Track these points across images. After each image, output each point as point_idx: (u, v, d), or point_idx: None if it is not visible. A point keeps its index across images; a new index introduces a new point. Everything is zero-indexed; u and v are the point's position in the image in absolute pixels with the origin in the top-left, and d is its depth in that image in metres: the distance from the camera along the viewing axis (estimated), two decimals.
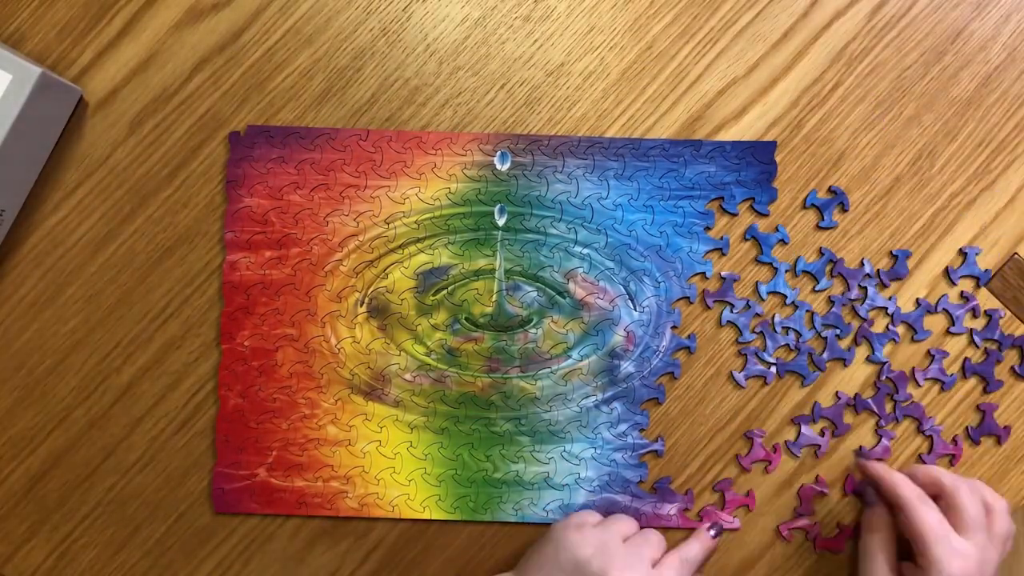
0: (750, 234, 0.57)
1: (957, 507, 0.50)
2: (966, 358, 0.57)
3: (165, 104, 0.58)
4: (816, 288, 0.57)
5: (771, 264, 0.57)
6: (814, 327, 0.57)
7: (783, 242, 0.57)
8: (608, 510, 0.56)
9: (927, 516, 0.50)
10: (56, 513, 0.57)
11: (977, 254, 0.57)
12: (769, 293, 0.57)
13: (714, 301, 0.57)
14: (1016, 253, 0.58)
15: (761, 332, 0.57)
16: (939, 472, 0.53)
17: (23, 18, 0.58)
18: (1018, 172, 0.58)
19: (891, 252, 0.57)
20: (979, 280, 0.57)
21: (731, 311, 0.57)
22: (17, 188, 0.57)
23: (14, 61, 0.53)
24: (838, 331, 0.57)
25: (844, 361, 0.57)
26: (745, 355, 0.57)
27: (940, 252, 0.58)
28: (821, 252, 0.57)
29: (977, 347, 0.57)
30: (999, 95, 0.58)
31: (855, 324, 0.57)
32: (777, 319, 0.57)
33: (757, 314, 0.57)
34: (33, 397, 0.58)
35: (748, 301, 0.57)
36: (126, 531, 0.57)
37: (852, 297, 0.57)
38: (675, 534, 0.57)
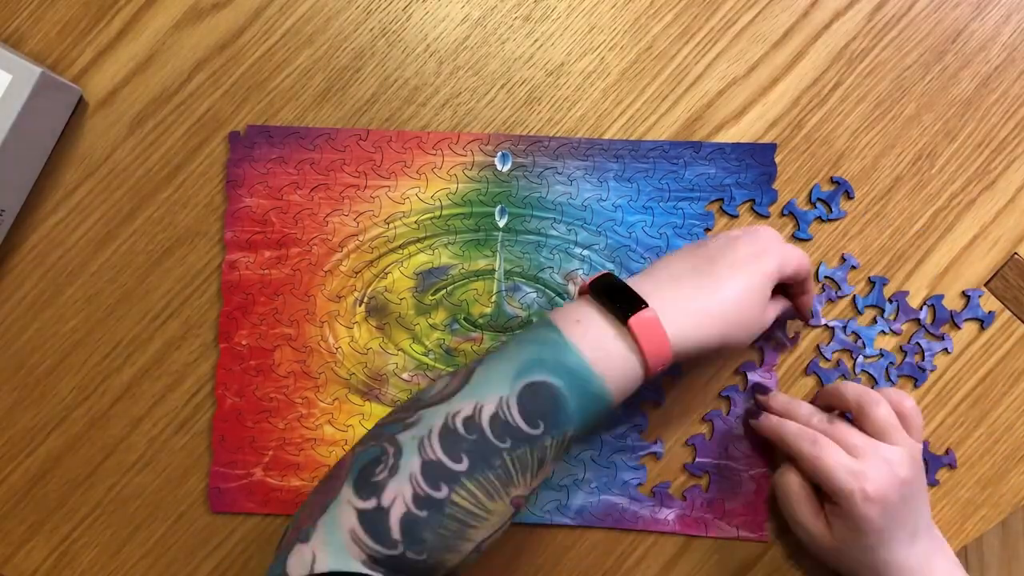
0: (788, 209, 0.57)
1: (868, 418, 0.50)
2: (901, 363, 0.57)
3: (165, 104, 0.58)
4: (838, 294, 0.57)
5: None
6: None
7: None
8: (605, 512, 0.56)
9: (821, 456, 0.49)
10: (56, 513, 0.57)
11: (980, 296, 0.57)
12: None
13: None
14: (1016, 253, 0.58)
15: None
16: (842, 389, 0.52)
17: (23, 18, 0.58)
18: (1018, 172, 0.58)
19: (869, 279, 0.57)
20: (983, 323, 0.57)
21: None
22: (17, 188, 0.57)
23: (14, 61, 0.53)
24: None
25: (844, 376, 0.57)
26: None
27: (940, 252, 0.58)
28: (843, 259, 0.57)
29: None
30: (999, 95, 0.58)
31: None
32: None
33: None
34: (33, 397, 0.58)
35: None
36: (126, 531, 0.58)
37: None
38: (672, 540, 0.57)
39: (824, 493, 0.50)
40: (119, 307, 0.58)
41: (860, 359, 0.57)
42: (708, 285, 0.46)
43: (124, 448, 0.58)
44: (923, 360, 0.57)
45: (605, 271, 0.48)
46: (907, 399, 0.51)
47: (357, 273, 0.57)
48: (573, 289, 0.57)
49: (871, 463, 0.48)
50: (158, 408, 0.58)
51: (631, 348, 0.44)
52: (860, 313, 0.57)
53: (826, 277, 0.57)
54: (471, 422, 0.42)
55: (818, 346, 0.57)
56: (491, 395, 0.42)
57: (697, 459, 0.57)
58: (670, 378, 0.57)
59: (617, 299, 0.44)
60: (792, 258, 0.49)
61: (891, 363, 0.57)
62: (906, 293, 0.57)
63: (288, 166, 0.57)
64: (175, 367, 0.58)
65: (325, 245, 0.57)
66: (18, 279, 0.58)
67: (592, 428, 0.45)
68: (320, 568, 0.40)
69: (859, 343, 0.57)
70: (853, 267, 0.57)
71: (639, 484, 0.57)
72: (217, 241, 0.58)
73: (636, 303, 0.44)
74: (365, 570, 0.40)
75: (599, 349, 0.43)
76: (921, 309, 0.57)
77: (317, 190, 0.57)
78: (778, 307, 0.53)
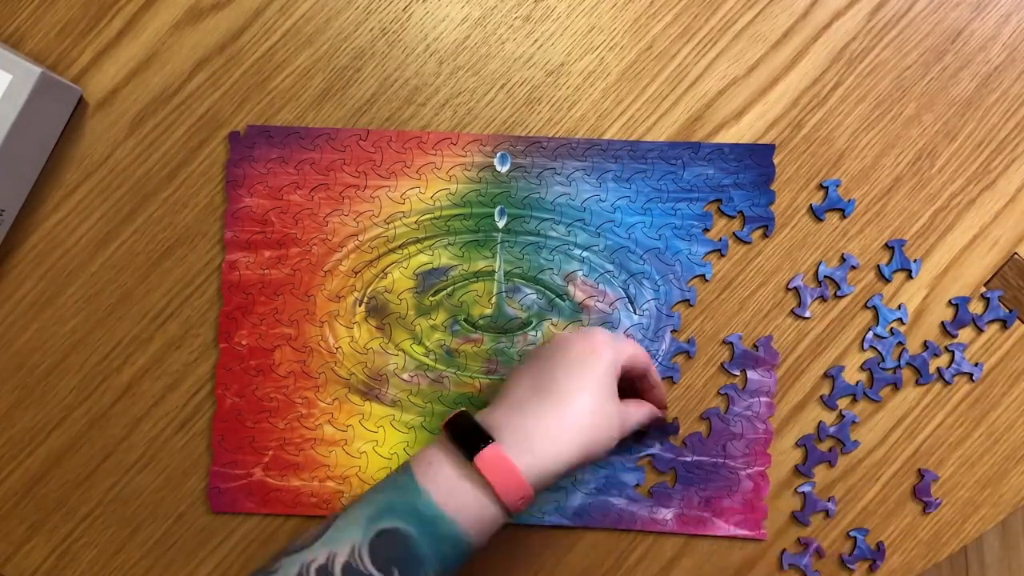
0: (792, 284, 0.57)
1: None
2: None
3: (165, 104, 0.58)
4: (839, 293, 0.57)
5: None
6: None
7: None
8: (604, 513, 0.56)
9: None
10: (56, 513, 0.58)
11: (967, 302, 0.57)
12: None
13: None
14: (1016, 253, 0.58)
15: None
16: None
17: (23, 18, 0.58)
18: (1018, 172, 0.58)
19: (886, 244, 0.57)
20: (1005, 323, 0.57)
21: None
22: (17, 188, 0.57)
23: (14, 61, 0.53)
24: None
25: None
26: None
27: (940, 252, 0.58)
28: (843, 258, 0.57)
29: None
30: (999, 95, 0.58)
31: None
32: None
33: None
34: (33, 397, 0.58)
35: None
36: (126, 531, 0.58)
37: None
38: (672, 540, 0.57)
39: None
40: (119, 307, 0.58)
41: (870, 335, 0.57)
42: (552, 402, 0.45)
43: (124, 448, 0.58)
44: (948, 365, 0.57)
45: (461, 408, 0.48)
46: None
47: (357, 273, 0.57)
48: (572, 290, 0.57)
49: None
50: (158, 408, 0.58)
51: (481, 487, 0.43)
52: (888, 280, 0.57)
53: (826, 277, 0.57)
54: (324, 571, 0.41)
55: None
56: (345, 542, 0.42)
57: (677, 457, 0.57)
58: (668, 380, 0.57)
59: (465, 438, 0.44)
60: (625, 350, 0.49)
61: (901, 343, 0.57)
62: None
63: (288, 166, 0.57)
64: (175, 367, 0.58)
65: (325, 245, 0.57)
66: (18, 279, 0.58)
67: (457, 570, 0.44)
68: None
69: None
70: (853, 267, 0.57)
71: (637, 485, 0.57)
72: (217, 241, 0.58)
73: (482, 440, 0.43)
74: None
75: (448, 491, 0.43)
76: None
77: (317, 190, 0.57)
78: (642, 410, 0.52)
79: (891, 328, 0.57)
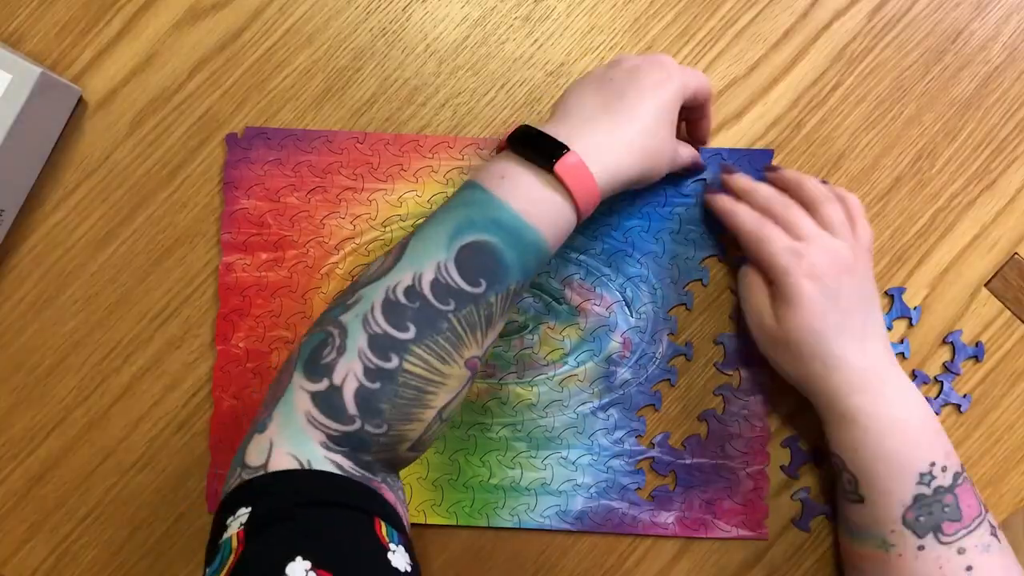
0: None
1: (819, 214, 0.51)
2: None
3: (165, 104, 0.58)
4: None
5: None
6: None
7: None
8: (605, 517, 0.56)
9: (763, 236, 0.50)
10: (56, 513, 0.58)
11: (960, 335, 0.57)
12: None
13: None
14: (1016, 253, 0.58)
15: None
16: (801, 181, 0.52)
17: (23, 18, 0.58)
18: (1018, 172, 0.58)
19: (886, 292, 0.57)
20: (977, 357, 0.57)
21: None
22: (17, 188, 0.57)
23: (14, 61, 0.53)
24: None
25: None
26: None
27: (940, 252, 0.58)
28: None
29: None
30: (999, 95, 0.58)
31: None
32: None
33: None
34: (33, 397, 0.58)
35: None
36: (126, 531, 0.58)
37: None
38: (673, 540, 0.56)
39: (774, 288, 0.51)
40: (119, 307, 0.58)
41: None
42: (621, 120, 0.47)
43: (124, 448, 0.58)
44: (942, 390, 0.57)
45: (522, 124, 0.49)
46: (852, 197, 0.52)
47: (353, 276, 0.57)
48: (569, 294, 0.57)
49: (813, 247, 0.49)
50: (157, 408, 0.58)
51: (560, 193, 0.44)
52: (889, 329, 0.57)
53: None
54: (412, 290, 0.42)
55: None
56: (428, 261, 0.42)
57: (677, 459, 0.57)
58: (666, 382, 0.57)
59: (539, 148, 0.45)
60: (693, 79, 0.50)
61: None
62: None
63: (285, 168, 0.57)
64: (175, 367, 0.58)
65: (322, 248, 0.57)
66: (18, 279, 0.58)
67: (533, 277, 0.46)
68: (278, 454, 0.39)
69: None
70: None
71: (638, 488, 0.57)
72: (217, 241, 0.58)
73: (558, 149, 0.44)
74: (323, 453, 0.40)
75: (528, 200, 0.44)
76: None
77: (314, 192, 0.57)
78: (690, 151, 0.54)
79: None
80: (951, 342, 0.57)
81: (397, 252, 0.44)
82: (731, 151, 0.57)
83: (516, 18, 0.58)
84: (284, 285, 0.57)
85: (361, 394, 0.40)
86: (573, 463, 0.56)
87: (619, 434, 0.57)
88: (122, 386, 0.58)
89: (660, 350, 0.57)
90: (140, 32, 0.58)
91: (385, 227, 0.57)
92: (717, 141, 0.58)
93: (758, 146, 0.58)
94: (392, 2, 0.58)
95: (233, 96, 0.58)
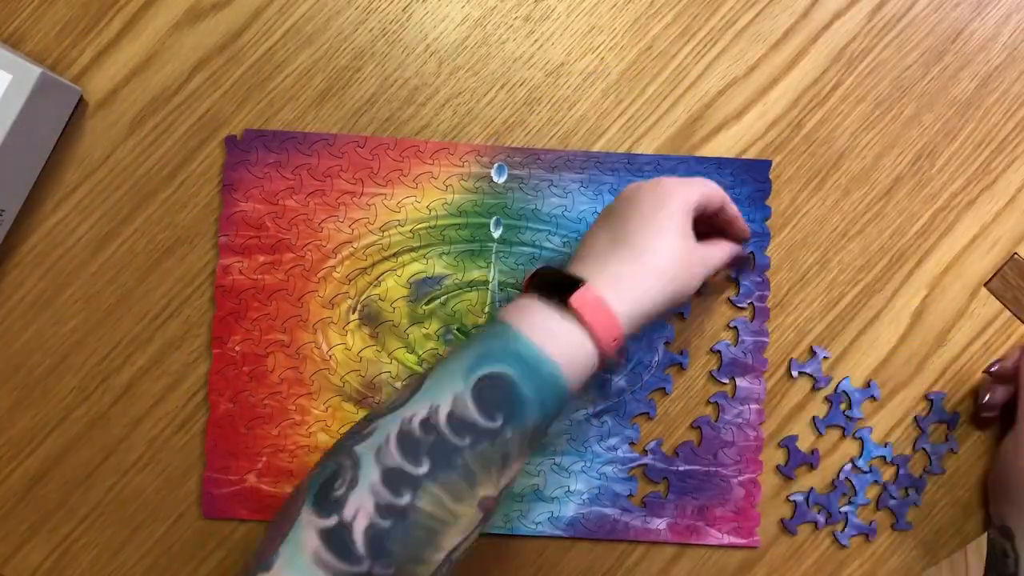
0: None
1: None
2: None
3: (165, 104, 0.58)
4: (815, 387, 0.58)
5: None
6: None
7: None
8: (597, 524, 0.56)
9: None
10: (56, 513, 0.57)
11: (942, 399, 0.57)
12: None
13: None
14: (1016, 253, 0.58)
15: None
16: None
17: (23, 18, 0.58)
18: (1018, 172, 0.58)
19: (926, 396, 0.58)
20: (948, 424, 0.57)
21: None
22: (17, 188, 0.57)
23: (14, 61, 0.53)
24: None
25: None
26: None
27: (940, 252, 0.58)
28: (813, 351, 0.57)
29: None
30: (999, 95, 0.58)
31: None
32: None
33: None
34: (33, 397, 0.58)
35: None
36: (126, 531, 0.58)
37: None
38: (665, 549, 0.56)
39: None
40: (119, 307, 0.58)
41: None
42: (632, 253, 0.46)
43: (124, 448, 0.58)
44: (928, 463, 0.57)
45: (542, 265, 0.48)
46: None
47: (350, 280, 0.57)
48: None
49: None
50: (158, 408, 0.58)
51: (578, 327, 0.44)
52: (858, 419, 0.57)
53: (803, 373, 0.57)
54: (428, 423, 0.41)
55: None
56: (446, 394, 0.42)
57: (669, 467, 0.57)
58: (661, 391, 0.57)
59: (556, 286, 0.45)
60: (695, 190, 0.49)
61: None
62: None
63: (285, 171, 0.57)
64: (175, 367, 0.58)
65: (319, 251, 0.57)
66: (18, 279, 0.58)
67: (553, 420, 0.45)
68: None
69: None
70: (873, 398, 0.57)
71: (630, 495, 0.56)
72: (216, 242, 0.58)
73: (574, 284, 0.44)
74: None
75: (546, 332, 0.43)
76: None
77: (313, 196, 0.57)
78: (722, 249, 0.52)
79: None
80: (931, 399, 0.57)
81: (415, 384, 0.43)
82: (730, 161, 0.57)
83: (516, 18, 0.58)
84: (280, 288, 0.57)
85: (371, 533, 0.39)
86: (566, 470, 0.56)
87: (612, 441, 0.56)
88: (122, 386, 0.58)
89: (656, 359, 0.57)
90: (140, 32, 0.58)
91: (383, 232, 0.57)
92: (716, 142, 0.58)
93: (758, 146, 0.58)
94: (392, 2, 0.58)
95: (233, 96, 0.58)
